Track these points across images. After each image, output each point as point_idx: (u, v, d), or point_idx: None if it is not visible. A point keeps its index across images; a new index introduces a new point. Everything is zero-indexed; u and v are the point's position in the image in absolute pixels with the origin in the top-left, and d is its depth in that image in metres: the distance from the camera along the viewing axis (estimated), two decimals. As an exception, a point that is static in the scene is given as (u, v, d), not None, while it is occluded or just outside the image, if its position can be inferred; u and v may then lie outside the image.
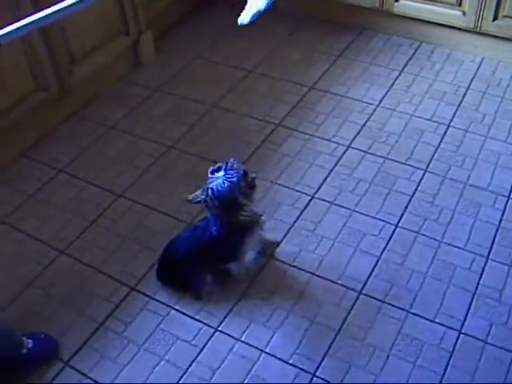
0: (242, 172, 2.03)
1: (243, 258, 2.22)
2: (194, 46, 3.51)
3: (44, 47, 2.73)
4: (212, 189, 1.99)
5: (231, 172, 2.01)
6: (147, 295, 2.28)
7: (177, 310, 2.23)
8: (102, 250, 2.44)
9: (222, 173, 2.02)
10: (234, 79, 3.29)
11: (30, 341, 2.05)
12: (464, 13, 3.13)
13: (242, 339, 2.13)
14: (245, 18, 1.80)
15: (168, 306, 2.24)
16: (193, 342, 2.13)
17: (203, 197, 2.01)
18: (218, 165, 2.05)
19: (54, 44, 2.77)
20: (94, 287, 2.31)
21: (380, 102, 3.08)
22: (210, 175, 2.04)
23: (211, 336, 2.14)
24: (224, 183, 1.99)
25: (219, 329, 2.16)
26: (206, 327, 2.17)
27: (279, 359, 2.07)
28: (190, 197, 2.04)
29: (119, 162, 2.83)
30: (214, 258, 2.20)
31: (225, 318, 2.20)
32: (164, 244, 2.28)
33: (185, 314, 2.22)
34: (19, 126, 2.79)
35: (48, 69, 2.79)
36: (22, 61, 2.68)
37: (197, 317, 2.20)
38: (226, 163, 2.04)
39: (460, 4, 3.12)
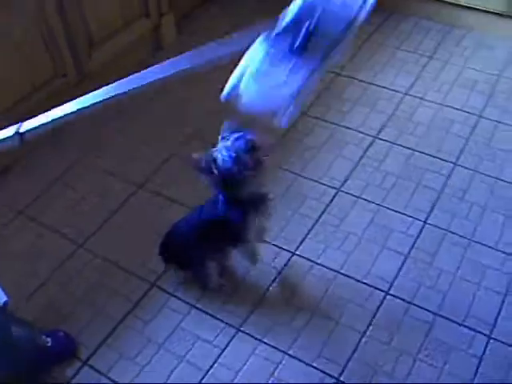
0: (248, 145, 1.86)
1: (249, 240, 2.12)
2: (217, 29, 3.40)
3: (63, 32, 2.65)
4: (215, 158, 1.85)
5: (238, 142, 1.85)
6: (168, 292, 2.22)
7: (198, 308, 2.18)
8: (121, 243, 2.39)
9: (229, 142, 1.86)
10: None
11: (48, 339, 2.01)
12: (500, -4, 3.01)
13: (265, 340, 2.08)
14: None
15: (189, 304, 2.19)
16: (214, 343, 2.08)
17: (205, 164, 1.86)
18: (231, 133, 1.89)
19: (72, 28, 2.69)
20: (113, 283, 2.26)
21: (408, 89, 2.98)
22: (220, 140, 1.89)
23: (233, 336, 2.09)
24: (228, 154, 1.84)
25: (241, 329, 2.11)
26: (227, 327, 2.11)
27: (303, 362, 2.02)
28: (195, 156, 1.88)
29: (139, 147, 2.77)
30: (217, 240, 2.09)
31: (247, 317, 2.14)
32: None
33: (206, 312, 2.16)
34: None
35: (67, 54, 2.71)
36: (41, 46, 2.60)
37: (218, 316, 2.15)
38: (236, 132, 1.88)
39: (495, -13, 3.00)
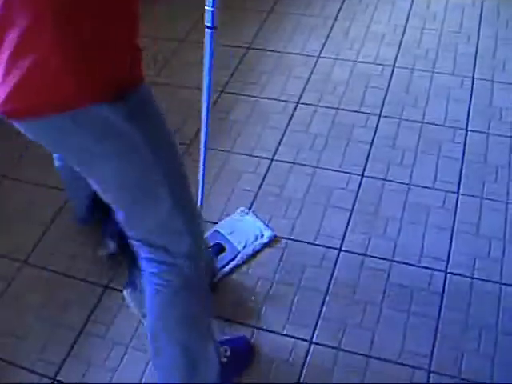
0: None
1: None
2: None
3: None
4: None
5: None
6: (121, 290, 2.15)
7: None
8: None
9: None
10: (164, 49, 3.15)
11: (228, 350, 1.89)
12: (390, -51, 3.07)
13: (231, 318, 2.06)
14: None
15: (147, 298, 2.14)
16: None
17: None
18: None
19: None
20: (65, 294, 2.18)
21: (320, 52, 3.00)
22: None
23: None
24: None
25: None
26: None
27: (273, 332, 2.01)
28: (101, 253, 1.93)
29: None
30: None
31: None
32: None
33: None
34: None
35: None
36: None
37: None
38: None
39: None
